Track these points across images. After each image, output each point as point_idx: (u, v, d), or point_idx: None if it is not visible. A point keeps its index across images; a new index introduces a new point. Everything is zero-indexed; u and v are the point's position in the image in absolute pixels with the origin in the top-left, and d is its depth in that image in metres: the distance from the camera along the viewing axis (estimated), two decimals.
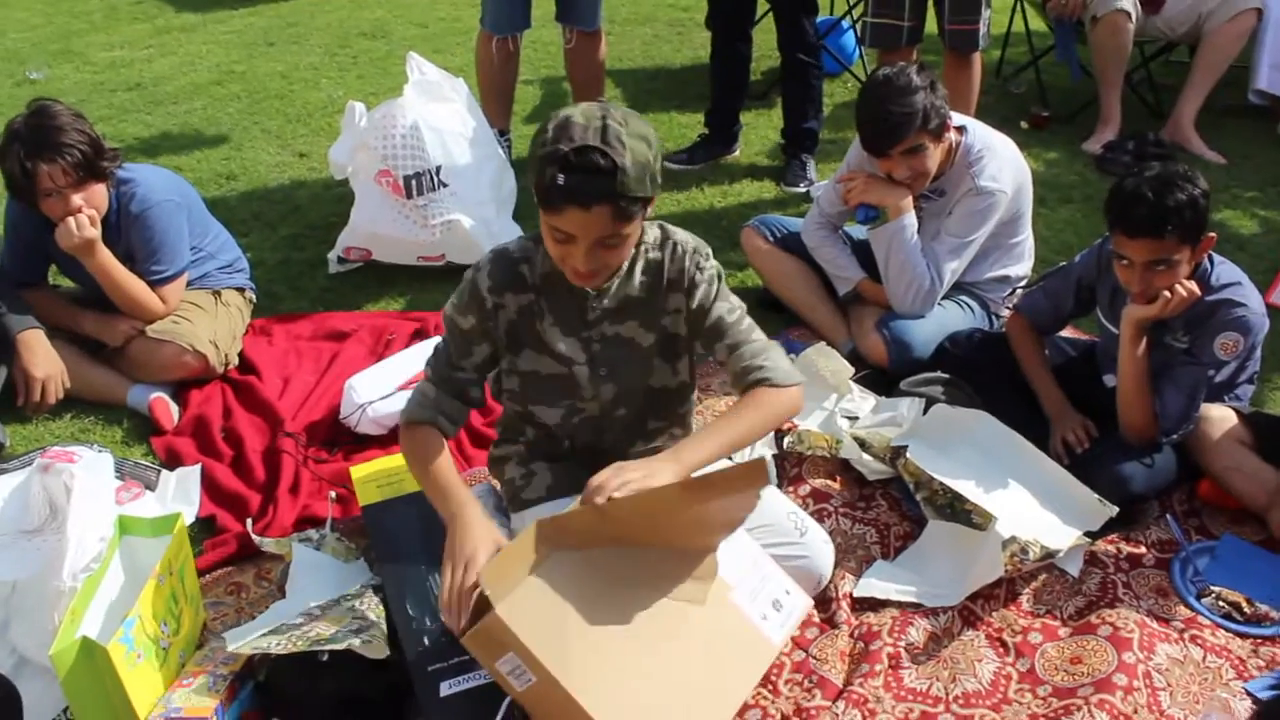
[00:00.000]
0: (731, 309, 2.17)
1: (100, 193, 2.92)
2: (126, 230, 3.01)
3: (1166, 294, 2.46)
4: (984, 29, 3.85)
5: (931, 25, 3.94)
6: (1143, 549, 2.52)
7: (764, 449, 2.71)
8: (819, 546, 2.33)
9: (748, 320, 2.18)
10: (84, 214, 2.87)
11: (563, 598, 1.88)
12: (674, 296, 2.16)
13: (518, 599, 1.84)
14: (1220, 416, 2.58)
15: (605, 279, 2.08)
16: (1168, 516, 2.57)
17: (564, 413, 2.21)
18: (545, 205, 1.91)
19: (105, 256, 2.96)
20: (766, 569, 2.15)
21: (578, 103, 1.99)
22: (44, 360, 2.89)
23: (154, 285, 3.05)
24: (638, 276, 2.14)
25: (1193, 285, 2.46)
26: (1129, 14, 4.45)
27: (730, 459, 2.17)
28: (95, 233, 2.91)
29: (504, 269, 2.11)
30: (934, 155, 2.92)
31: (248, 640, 2.07)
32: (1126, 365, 2.55)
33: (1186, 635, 2.28)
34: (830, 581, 2.38)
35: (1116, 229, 2.47)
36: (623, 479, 1.89)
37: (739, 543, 2.14)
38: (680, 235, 2.16)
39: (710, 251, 2.18)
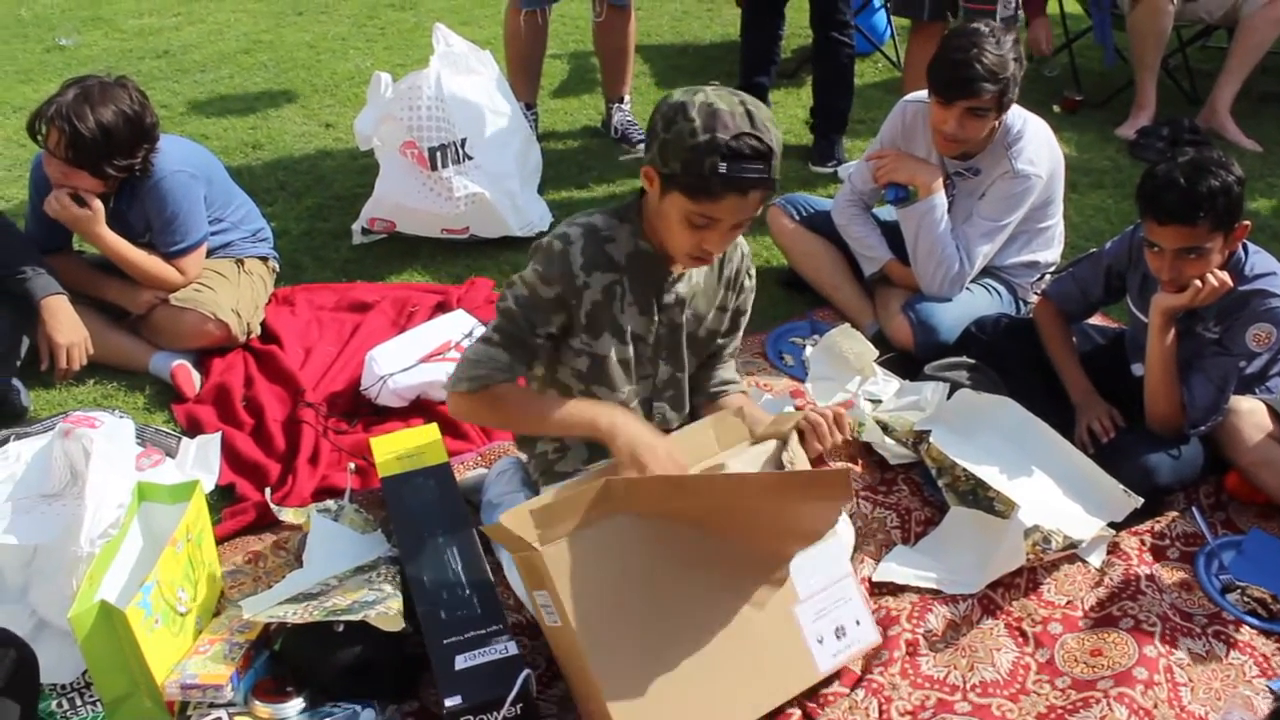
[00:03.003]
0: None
1: (84, 182, 2.87)
2: (142, 200, 3.00)
3: (1197, 283, 2.42)
4: (1004, 11, 3.75)
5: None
6: (1167, 542, 2.49)
7: None
8: (841, 524, 2.32)
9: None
10: (66, 193, 2.87)
11: (614, 557, 1.87)
12: (727, 294, 2.25)
13: (565, 545, 1.84)
14: (1250, 409, 2.54)
15: None
16: (1193, 509, 2.54)
17: (623, 397, 2.20)
18: (702, 194, 1.92)
19: (109, 240, 2.96)
20: (847, 592, 2.12)
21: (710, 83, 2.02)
22: (68, 326, 2.88)
23: (171, 257, 3.05)
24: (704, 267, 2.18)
25: (1225, 275, 2.42)
26: None
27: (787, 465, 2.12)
28: (86, 214, 2.89)
29: (595, 247, 2.08)
30: (985, 129, 2.87)
31: (265, 609, 2.08)
32: (1155, 355, 2.51)
33: (1210, 631, 2.26)
34: (850, 564, 2.36)
35: (1147, 215, 2.42)
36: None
37: (831, 558, 2.12)
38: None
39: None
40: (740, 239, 2.21)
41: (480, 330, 2.82)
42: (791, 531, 2.00)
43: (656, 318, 2.17)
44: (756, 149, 1.89)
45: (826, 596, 2.09)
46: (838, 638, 2.08)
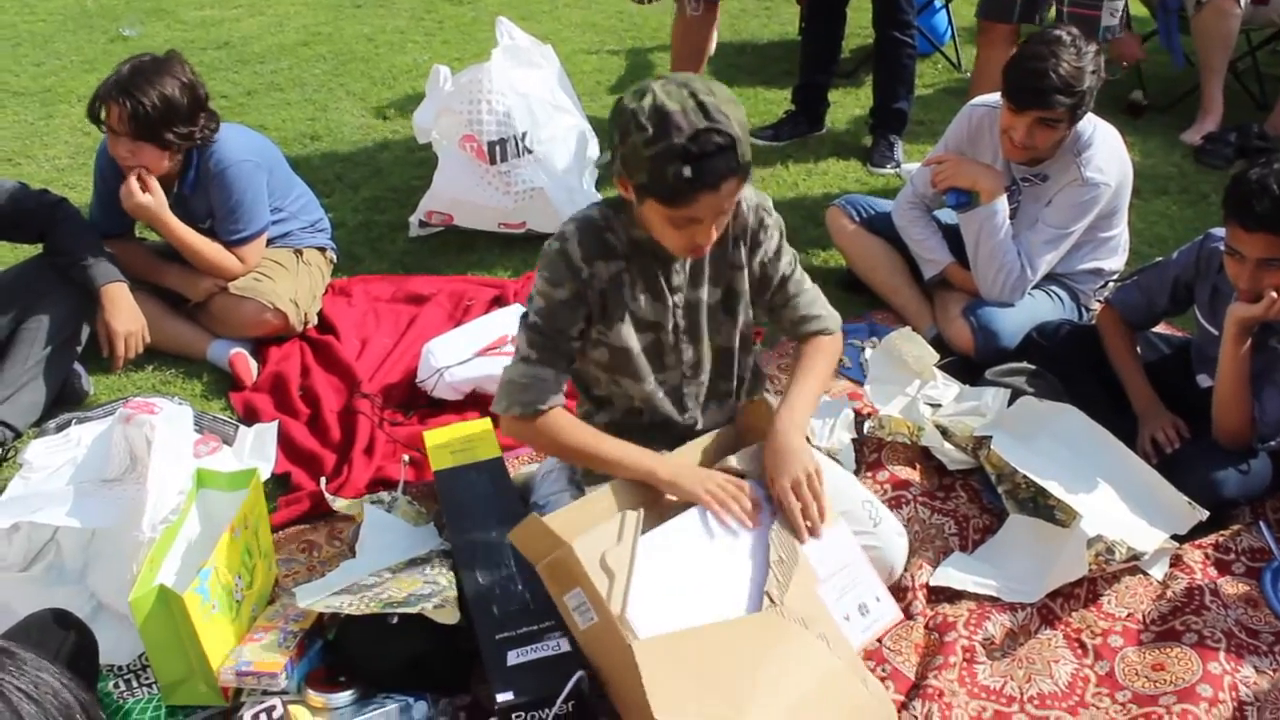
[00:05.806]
0: (791, 261, 2.22)
1: (150, 155, 2.91)
2: (206, 188, 3.03)
3: (1274, 294, 2.35)
4: (1109, 20, 3.65)
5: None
6: (1232, 556, 2.43)
7: (843, 433, 2.66)
8: (892, 538, 2.28)
9: (800, 269, 2.25)
10: (141, 177, 2.91)
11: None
12: (738, 252, 2.15)
13: (591, 539, 1.87)
14: None
15: None
16: (1260, 524, 2.48)
17: (650, 387, 2.18)
18: (673, 201, 1.88)
19: (174, 226, 2.99)
20: (860, 572, 2.11)
21: (659, 76, 1.95)
22: (126, 314, 2.90)
23: (233, 245, 3.07)
24: None
25: None
26: None
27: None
28: (150, 200, 2.93)
29: (592, 237, 2.06)
30: (1055, 139, 2.82)
31: (320, 599, 2.08)
32: (1227, 366, 2.45)
33: (1277, 649, 2.20)
34: (906, 571, 2.33)
35: (1233, 220, 2.35)
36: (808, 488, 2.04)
37: (840, 539, 2.10)
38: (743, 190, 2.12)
39: (770, 203, 2.18)
40: (746, 190, 2.08)
41: None
42: None
43: (670, 300, 2.13)
44: (717, 144, 1.83)
45: (843, 577, 2.08)
46: (862, 614, 2.08)
